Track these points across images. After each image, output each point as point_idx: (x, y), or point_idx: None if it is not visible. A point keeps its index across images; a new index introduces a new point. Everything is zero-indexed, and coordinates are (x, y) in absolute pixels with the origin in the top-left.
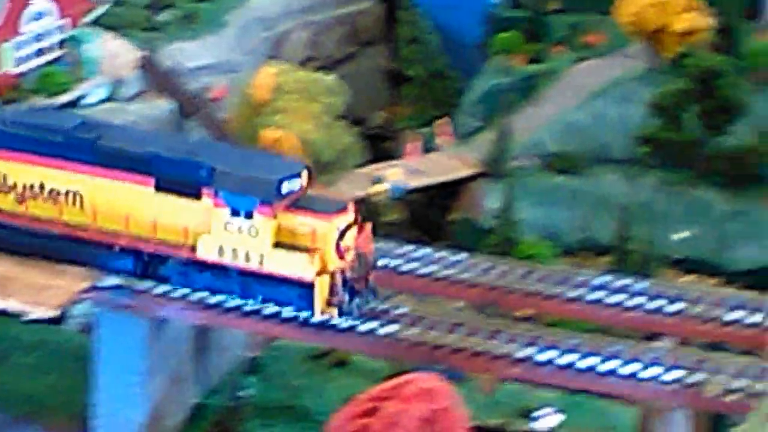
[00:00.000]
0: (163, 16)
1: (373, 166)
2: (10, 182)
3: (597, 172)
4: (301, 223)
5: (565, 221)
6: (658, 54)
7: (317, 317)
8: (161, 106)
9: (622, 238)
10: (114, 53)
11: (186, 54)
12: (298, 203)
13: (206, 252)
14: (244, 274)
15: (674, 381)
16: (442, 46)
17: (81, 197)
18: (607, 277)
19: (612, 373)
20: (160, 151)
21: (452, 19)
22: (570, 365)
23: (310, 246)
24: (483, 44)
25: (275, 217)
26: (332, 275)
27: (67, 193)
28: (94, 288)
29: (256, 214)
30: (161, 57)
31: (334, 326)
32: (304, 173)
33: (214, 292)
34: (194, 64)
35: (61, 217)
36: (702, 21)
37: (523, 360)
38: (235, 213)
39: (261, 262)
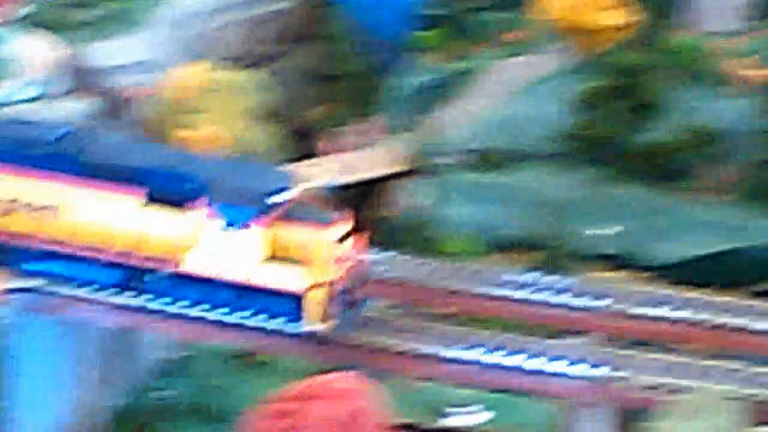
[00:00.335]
0: (91, 14)
1: (301, 164)
2: None
3: (522, 169)
4: (296, 234)
5: (492, 218)
6: (582, 51)
7: (312, 330)
8: (87, 104)
9: (549, 235)
10: (38, 52)
11: (114, 52)
12: (292, 214)
13: (196, 265)
14: (235, 287)
15: (593, 377)
16: (367, 44)
17: (64, 211)
18: (532, 275)
19: (531, 370)
20: (149, 163)
21: (377, 17)
22: (489, 363)
23: (304, 257)
24: (408, 42)
25: (269, 228)
26: (328, 287)
27: (48, 207)
28: (9, 290)
29: (250, 226)
30: (87, 55)
31: (253, 327)
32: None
33: (202, 305)
34: (122, 61)
35: (42, 232)
36: (625, 18)
37: (443, 359)
38: (228, 224)
39: (253, 275)
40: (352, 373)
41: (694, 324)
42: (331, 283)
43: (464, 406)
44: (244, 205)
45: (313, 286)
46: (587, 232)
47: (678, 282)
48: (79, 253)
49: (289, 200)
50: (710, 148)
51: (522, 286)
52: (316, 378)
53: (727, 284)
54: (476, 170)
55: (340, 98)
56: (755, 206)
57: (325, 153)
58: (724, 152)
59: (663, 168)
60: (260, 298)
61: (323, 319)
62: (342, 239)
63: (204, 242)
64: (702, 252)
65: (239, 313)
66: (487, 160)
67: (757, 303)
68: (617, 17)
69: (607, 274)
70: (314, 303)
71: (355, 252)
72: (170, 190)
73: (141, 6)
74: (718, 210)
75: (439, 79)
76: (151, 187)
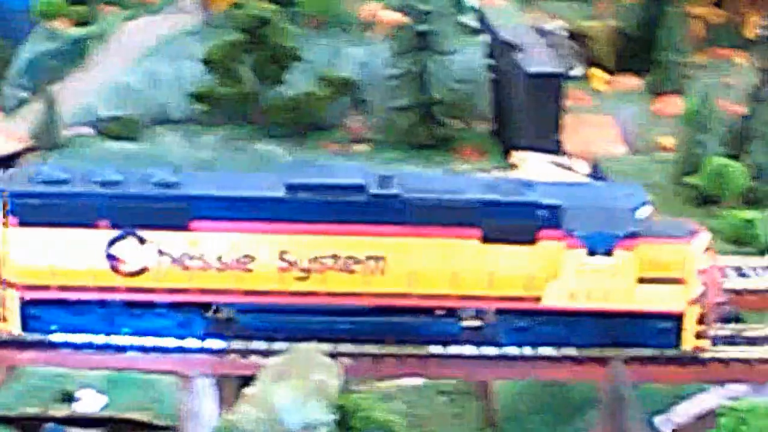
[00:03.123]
0: None
1: None
2: (290, 258)
3: (155, 135)
4: (664, 251)
5: None
6: (210, 6)
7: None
8: None
9: None
10: None
11: None
12: (651, 231)
13: (556, 299)
14: (599, 316)
15: (200, 350)
16: None
17: (387, 262)
18: None
19: (139, 347)
20: (486, 196)
21: None
22: (90, 345)
23: (676, 276)
24: (31, 9)
25: (636, 249)
26: (702, 304)
27: (368, 260)
28: None
29: (617, 250)
30: None
31: None
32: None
33: (555, 344)
34: None
35: (361, 288)
36: None
37: (39, 344)
38: (591, 251)
39: (624, 301)
40: None
41: None
42: (704, 299)
43: (78, 391)
44: (612, 229)
45: (689, 305)
46: None
47: None
48: (405, 308)
49: (648, 215)
50: (347, 96)
51: None
52: None
53: None
54: (107, 139)
55: None
56: (394, 154)
57: None
58: (361, 100)
59: (299, 121)
60: (632, 325)
61: (696, 340)
62: (705, 250)
63: (564, 274)
64: None
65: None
66: (118, 127)
67: None
68: None
69: None
70: (692, 322)
71: (715, 261)
72: (512, 222)
73: None
74: (358, 160)
75: (61, 47)
76: (489, 222)
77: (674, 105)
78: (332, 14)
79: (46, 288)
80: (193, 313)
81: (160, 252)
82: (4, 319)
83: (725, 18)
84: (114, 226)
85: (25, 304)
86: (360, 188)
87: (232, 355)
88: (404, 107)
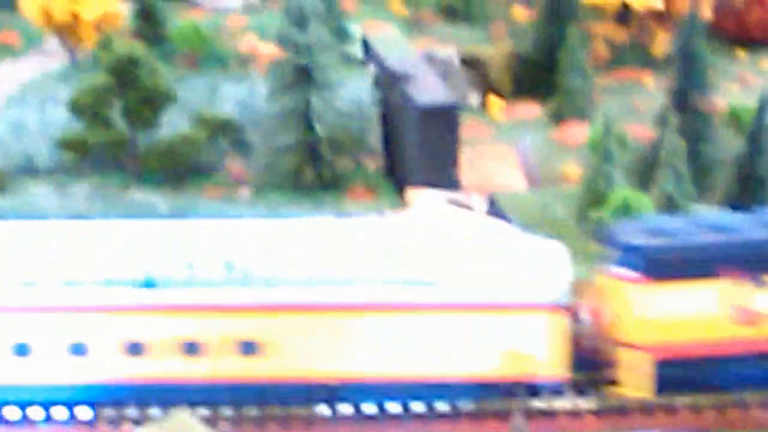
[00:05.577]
0: None
1: None
2: None
3: (22, 187)
4: None
5: None
6: (75, 48)
7: None
8: None
9: None
10: None
11: None
12: None
13: None
14: None
15: (69, 420)
16: None
17: None
18: None
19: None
20: None
21: None
22: None
23: None
24: None
25: None
26: None
27: None
28: None
29: None
30: None
31: None
32: None
33: None
34: None
35: None
36: (114, 6)
37: None
38: None
39: None
40: None
41: None
42: None
43: None
44: None
45: None
46: None
47: None
48: None
49: None
50: (227, 138)
51: None
52: None
53: None
54: None
55: None
56: (279, 197)
57: None
58: (242, 141)
59: (176, 165)
60: None
61: None
62: None
63: None
64: None
65: None
66: None
67: None
68: (107, 6)
69: None
70: None
71: None
72: None
73: None
74: (240, 206)
75: None
76: None
77: (578, 132)
78: (207, 51)
79: (677, 346)
80: None
81: None
82: (627, 384)
83: (631, 36)
84: (738, 273)
85: (659, 366)
86: None
87: (103, 425)
88: (288, 147)
